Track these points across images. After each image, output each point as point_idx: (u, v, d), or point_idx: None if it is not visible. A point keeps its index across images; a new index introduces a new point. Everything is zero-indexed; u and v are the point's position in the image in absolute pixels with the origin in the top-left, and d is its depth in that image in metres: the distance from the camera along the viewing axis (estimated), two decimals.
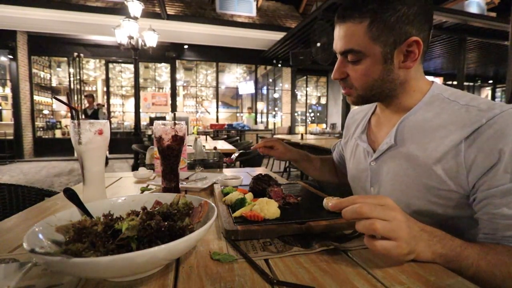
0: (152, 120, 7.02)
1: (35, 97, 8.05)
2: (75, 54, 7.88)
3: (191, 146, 1.84)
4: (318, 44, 5.40)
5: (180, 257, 0.47)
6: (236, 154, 1.07)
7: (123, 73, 9.35)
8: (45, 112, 8.60)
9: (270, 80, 10.73)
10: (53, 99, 8.66)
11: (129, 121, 9.35)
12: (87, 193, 0.71)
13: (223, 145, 3.42)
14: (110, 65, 8.85)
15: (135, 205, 0.55)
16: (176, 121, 0.82)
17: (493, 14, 7.71)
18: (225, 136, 6.36)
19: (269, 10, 9.93)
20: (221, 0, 9.06)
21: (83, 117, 6.23)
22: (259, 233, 0.55)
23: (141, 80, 8.92)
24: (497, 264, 0.47)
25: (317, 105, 12.44)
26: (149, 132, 6.87)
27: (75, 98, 7.90)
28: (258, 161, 2.63)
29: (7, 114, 8.86)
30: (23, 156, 7.58)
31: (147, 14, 6.72)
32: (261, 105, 10.69)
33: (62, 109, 8.94)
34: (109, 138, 0.74)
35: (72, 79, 8.22)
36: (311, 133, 8.85)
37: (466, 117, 0.57)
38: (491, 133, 0.52)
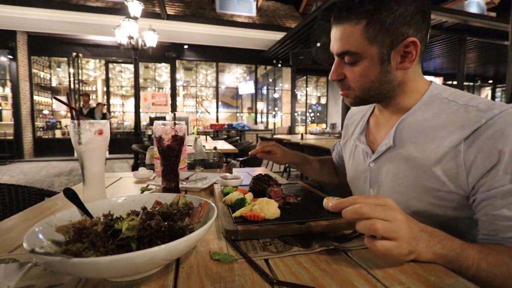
0: (152, 120, 7.03)
1: (35, 97, 8.06)
2: (74, 54, 7.88)
3: (191, 146, 1.84)
4: (318, 44, 5.40)
5: (180, 257, 0.47)
6: (235, 162, 1.06)
7: (123, 73, 9.36)
8: (45, 112, 8.60)
9: (270, 80, 10.73)
10: (53, 99, 8.66)
11: (129, 121, 9.36)
12: (87, 193, 0.71)
13: (223, 145, 3.42)
14: (110, 65, 8.85)
15: (135, 205, 0.55)
16: (176, 121, 0.82)
17: (493, 14, 7.71)
18: (225, 136, 6.36)
19: (269, 10, 9.93)
20: (221, 0, 9.06)
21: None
22: (259, 233, 0.55)
23: (141, 80, 8.92)
24: (498, 265, 0.47)
25: (317, 105, 12.44)
26: (149, 132, 6.87)
27: (75, 98, 7.90)
28: (258, 161, 2.63)
29: (7, 114, 8.87)
30: (23, 156, 7.58)
31: (147, 14, 6.72)
32: (261, 105, 10.69)
33: (62, 109, 8.94)
34: (109, 138, 0.74)
35: (72, 79, 8.23)
36: (311, 133, 8.86)
37: (465, 118, 0.56)
38: (490, 133, 0.52)
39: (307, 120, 11.56)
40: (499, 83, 13.04)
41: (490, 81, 13.05)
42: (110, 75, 8.86)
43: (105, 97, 8.90)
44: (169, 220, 0.49)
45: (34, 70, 8.00)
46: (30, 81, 7.83)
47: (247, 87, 9.89)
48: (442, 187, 0.58)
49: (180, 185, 0.87)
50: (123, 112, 9.52)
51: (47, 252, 0.37)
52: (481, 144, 0.53)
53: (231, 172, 0.98)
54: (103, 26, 6.81)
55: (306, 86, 11.45)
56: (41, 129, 8.33)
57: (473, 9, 7.82)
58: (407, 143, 0.64)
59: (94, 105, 7.22)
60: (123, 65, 9.16)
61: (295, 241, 0.53)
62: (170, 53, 8.52)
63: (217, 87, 9.60)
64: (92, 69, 9.29)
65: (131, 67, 8.61)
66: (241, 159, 1.21)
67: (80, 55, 8.04)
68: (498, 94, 13.62)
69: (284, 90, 10.23)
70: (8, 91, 8.18)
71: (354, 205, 0.45)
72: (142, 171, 1.17)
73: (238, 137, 6.65)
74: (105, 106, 8.02)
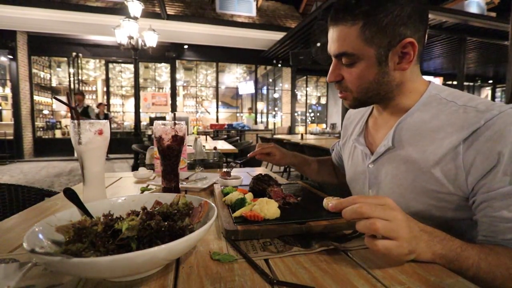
0: (152, 120, 7.02)
1: (35, 97, 8.06)
2: (74, 54, 7.88)
3: (191, 146, 1.84)
4: (318, 44, 5.41)
5: (180, 257, 0.47)
6: (230, 169, 1.04)
7: (123, 73, 9.36)
8: (45, 112, 8.60)
9: (270, 80, 10.73)
10: (53, 99, 8.66)
11: (129, 121, 9.35)
12: (87, 193, 0.71)
13: (223, 145, 3.42)
14: (110, 65, 8.85)
15: (135, 205, 0.55)
16: (176, 121, 0.82)
17: (493, 14, 7.71)
18: (225, 136, 6.36)
19: (269, 10, 9.93)
20: (221, 0, 9.06)
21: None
22: (259, 233, 0.55)
23: (141, 80, 8.92)
24: (498, 265, 0.47)
25: (317, 105, 12.45)
26: (149, 132, 6.86)
27: (75, 98, 7.90)
28: (258, 161, 2.63)
29: (7, 114, 8.87)
30: (23, 156, 7.58)
31: (147, 14, 6.73)
32: (261, 105, 10.69)
33: (62, 109, 8.94)
34: (109, 138, 0.74)
35: (72, 79, 8.23)
36: (311, 133, 8.87)
37: (464, 119, 0.56)
38: (489, 135, 0.52)
39: (307, 120, 11.56)
40: (499, 83, 13.04)
41: (490, 81, 13.05)
42: (110, 75, 8.86)
43: (105, 97, 8.90)
44: (169, 220, 0.49)
45: (34, 70, 8.00)
46: (30, 81, 7.83)
47: (247, 87, 9.89)
48: (441, 189, 0.58)
49: (180, 185, 0.87)
50: (123, 112, 9.52)
51: (47, 252, 0.37)
52: (480, 145, 0.53)
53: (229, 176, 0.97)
54: (103, 26, 6.81)
55: (306, 86, 11.46)
56: (41, 129, 8.33)
57: (473, 9, 7.82)
58: (406, 145, 0.64)
59: (95, 105, 7.22)
60: (123, 65, 9.16)
61: (295, 241, 0.53)
62: (170, 53, 8.52)
63: (217, 87, 9.60)
64: (92, 69, 9.29)
65: (131, 67, 8.61)
66: (239, 161, 1.20)
67: (80, 55, 8.04)
68: (498, 94, 13.63)
69: (284, 90, 10.23)
70: (8, 91, 8.18)
71: (354, 205, 0.45)
72: (142, 171, 1.17)
73: (238, 137, 6.65)
74: (106, 107, 8.02)
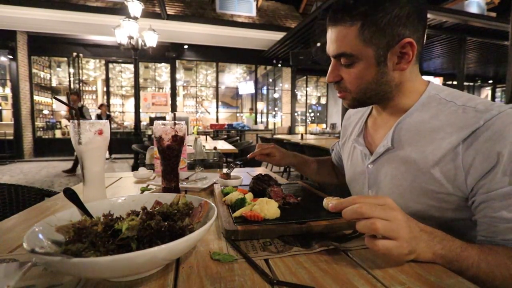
0: (152, 120, 7.02)
1: (35, 97, 8.05)
2: (74, 54, 7.88)
3: (191, 146, 1.84)
4: (318, 44, 5.41)
5: (180, 257, 0.47)
6: (230, 170, 1.04)
7: (123, 73, 9.36)
8: (45, 112, 8.60)
9: (270, 80, 10.73)
10: (53, 99, 8.66)
11: (129, 121, 9.35)
12: (87, 193, 0.71)
13: (223, 145, 3.43)
14: (110, 65, 8.84)
15: (135, 205, 0.55)
16: (176, 121, 0.82)
17: (493, 14, 7.70)
18: (225, 136, 6.36)
19: (269, 10, 9.93)
20: (221, 0, 9.06)
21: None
22: (259, 233, 0.55)
23: (141, 80, 8.92)
24: (498, 265, 0.47)
25: (317, 105, 12.45)
26: (149, 132, 6.87)
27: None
28: (257, 161, 2.63)
29: (7, 114, 8.87)
30: (23, 156, 7.58)
31: (147, 14, 6.73)
32: (261, 105, 10.69)
33: (62, 109, 8.93)
34: (109, 138, 0.74)
35: (72, 79, 8.23)
36: (311, 133, 8.87)
37: (464, 119, 0.56)
38: (488, 135, 0.52)
39: (307, 120, 11.56)
40: (499, 83, 13.04)
41: (490, 81, 13.04)
42: (110, 75, 8.85)
43: (105, 97, 8.90)
44: (169, 220, 0.49)
45: (34, 70, 7.99)
46: (30, 81, 7.82)
47: (247, 87, 9.89)
48: (441, 189, 0.57)
49: (180, 185, 0.87)
50: (123, 112, 9.52)
51: (47, 252, 0.37)
52: (479, 145, 0.53)
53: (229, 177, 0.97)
54: (103, 26, 6.81)
55: (306, 86, 11.45)
56: (41, 129, 8.33)
57: (473, 9, 7.82)
58: (406, 145, 0.64)
59: (95, 105, 7.21)
60: (123, 65, 9.16)
61: (295, 241, 0.53)
62: (170, 53, 8.52)
63: (217, 87, 9.60)
64: (92, 69, 9.29)
65: (131, 67, 8.61)
66: (239, 162, 1.20)
67: (80, 55, 8.04)
68: (498, 94, 13.62)
69: (284, 90, 10.23)
70: (8, 91, 8.18)
71: (354, 205, 0.45)
72: (142, 171, 1.17)
73: (238, 137, 6.66)
74: (107, 107, 8.01)
